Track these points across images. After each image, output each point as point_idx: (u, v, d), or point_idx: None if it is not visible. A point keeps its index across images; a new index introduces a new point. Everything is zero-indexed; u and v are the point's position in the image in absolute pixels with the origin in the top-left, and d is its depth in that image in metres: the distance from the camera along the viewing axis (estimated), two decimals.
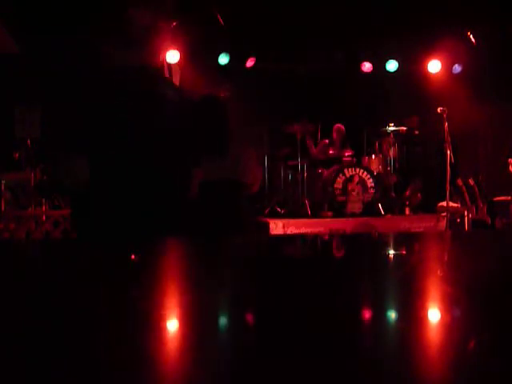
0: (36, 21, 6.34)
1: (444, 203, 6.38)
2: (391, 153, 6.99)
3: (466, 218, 6.20)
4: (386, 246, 1.65)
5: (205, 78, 6.66)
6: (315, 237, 3.24)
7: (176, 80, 4.25)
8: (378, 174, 6.72)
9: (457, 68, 8.08)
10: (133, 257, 1.42)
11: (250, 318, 0.68)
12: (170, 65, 4.28)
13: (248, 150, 2.90)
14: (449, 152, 6.24)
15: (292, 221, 6.21)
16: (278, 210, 6.75)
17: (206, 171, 2.64)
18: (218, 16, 6.79)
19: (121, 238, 1.84)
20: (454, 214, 6.33)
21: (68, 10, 6.26)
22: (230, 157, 2.73)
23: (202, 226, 2.57)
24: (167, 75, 4.15)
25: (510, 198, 6.35)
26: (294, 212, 6.61)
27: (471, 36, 7.48)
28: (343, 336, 0.56)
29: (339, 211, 6.46)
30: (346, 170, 6.52)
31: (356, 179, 6.49)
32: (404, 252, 1.46)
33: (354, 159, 6.93)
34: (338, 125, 7.31)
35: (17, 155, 5.84)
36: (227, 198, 2.65)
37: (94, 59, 6.60)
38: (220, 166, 2.68)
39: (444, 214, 6.36)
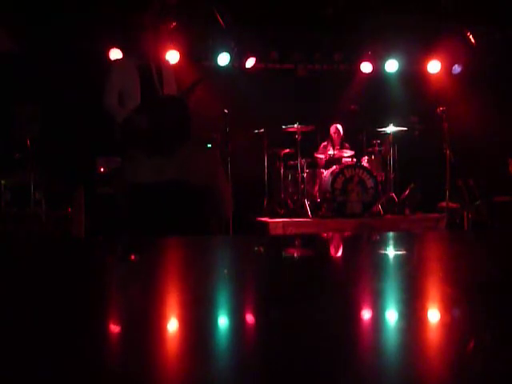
0: (35, 20, 6.34)
1: (444, 203, 6.38)
2: (391, 153, 6.98)
3: (466, 218, 6.20)
4: (385, 246, 1.64)
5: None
6: (315, 237, 3.24)
7: (169, 84, 4.24)
8: (377, 174, 6.72)
9: (456, 68, 8.08)
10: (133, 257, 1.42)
11: (250, 318, 0.68)
12: (161, 69, 4.26)
13: (205, 151, 2.92)
14: (449, 152, 6.24)
15: (292, 221, 6.21)
16: (278, 210, 6.75)
17: (154, 171, 2.67)
18: (218, 16, 6.79)
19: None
20: (453, 214, 6.33)
21: (68, 8, 6.27)
22: (181, 157, 2.73)
23: (148, 227, 2.60)
24: (156, 80, 4.15)
25: (510, 197, 6.35)
26: (293, 212, 6.61)
27: (471, 36, 7.48)
28: (343, 336, 0.56)
29: (339, 211, 6.46)
30: (345, 171, 6.51)
31: (356, 179, 6.49)
32: (403, 252, 1.46)
33: (354, 159, 6.93)
34: (336, 124, 7.31)
35: (17, 155, 5.84)
36: (174, 198, 2.67)
37: (95, 59, 6.61)
38: (168, 166, 2.69)
39: (444, 214, 6.36)
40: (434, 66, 8.04)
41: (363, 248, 1.64)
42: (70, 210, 5.45)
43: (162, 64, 4.33)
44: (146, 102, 3.89)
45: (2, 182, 5.38)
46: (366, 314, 0.68)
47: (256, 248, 1.61)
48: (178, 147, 2.73)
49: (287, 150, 6.99)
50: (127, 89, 4.10)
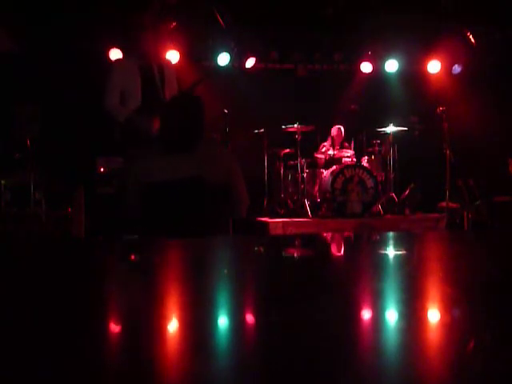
0: (35, 19, 6.34)
1: (444, 203, 6.38)
2: (391, 153, 6.99)
3: (466, 218, 6.20)
4: (385, 246, 1.64)
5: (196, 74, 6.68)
6: (315, 237, 3.23)
7: (171, 84, 4.24)
8: (377, 174, 6.72)
9: (456, 68, 8.08)
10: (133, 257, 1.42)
11: (250, 318, 0.68)
12: (162, 68, 4.25)
13: (221, 150, 2.88)
14: (449, 152, 6.24)
15: (291, 221, 6.21)
16: (278, 210, 6.75)
17: (170, 170, 2.63)
18: (218, 16, 6.79)
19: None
20: (453, 214, 6.33)
21: (67, 8, 6.27)
22: (198, 154, 2.70)
23: (163, 225, 2.57)
24: (157, 80, 4.14)
25: (510, 197, 6.35)
26: (293, 212, 6.61)
27: (471, 36, 7.48)
28: (343, 336, 0.56)
29: (339, 211, 6.46)
30: (345, 171, 6.51)
31: (356, 179, 6.49)
32: (403, 252, 1.46)
33: (354, 160, 6.93)
34: (337, 126, 7.31)
35: (17, 155, 5.84)
36: (190, 196, 2.63)
37: (95, 59, 6.61)
38: (186, 164, 2.65)
39: (444, 214, 6.36)
40: (433, 66, 8.04)
41: (363, 248, 1.64)
42: (70, 209, 5.45)
43: (163, 64, 4.33)
44: (165, 101, 3.87)
45: (2, 181, 5.38)
46: (366, 314, 0.68)
47: (256, 248, 1.61)
48: (194, 145, 2.69)
49: (287, 150, 6.99)
50: (129, 88, 4.10)
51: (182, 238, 1.99)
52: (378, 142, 7.12)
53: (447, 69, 8.09)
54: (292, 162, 6.99)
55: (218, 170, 2.70)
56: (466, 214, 6.21)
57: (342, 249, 1.64)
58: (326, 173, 6.79)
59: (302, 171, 6.79)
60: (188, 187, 2.61)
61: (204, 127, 2.79)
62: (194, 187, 2.61)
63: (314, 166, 7.17)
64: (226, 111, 6.24)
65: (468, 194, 6.55)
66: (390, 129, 6.90)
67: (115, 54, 6.75)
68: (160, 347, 0.54)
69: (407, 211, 6.78)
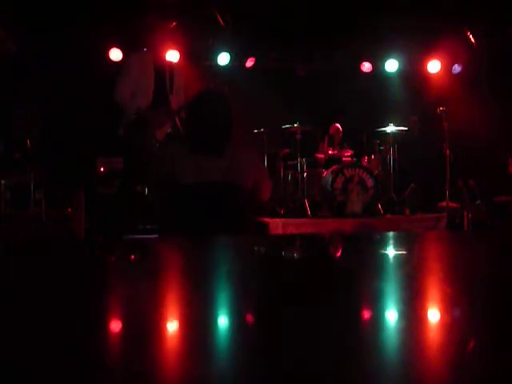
0: (35, 20, 6.34)
1: (444, 203, 6.38)
2: (391, 153, 6.99)
3: (466, 219, 6.20)
4: (385, 246, 1.64)
5: (204, 78, 6.69)
6: (315, 237, 3.23)
7: (178, 91, 4.26)
8: (377, 174, 6.72)
9: (456, 68, 8.08)
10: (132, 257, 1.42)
11: (250, 318, 0.68)
12: (173, 75, 4.29)
13: (248, 151, 2.78)
14: (449, 152, 6.24)
15: (291, 221, 6.20)
16: (278, 210, 6.75)
17: (198, 171, 2.57)
18: (218, 16, 6.79)
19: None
20: (453, 215, 6.33)
21: (67, 8, 6.27)
22: (227, 157, 2.62)
23: (194, 228, 2.53)
24: (168, 84, 4.16)
25: (510, 197, 6.35)
26: (293, 212, 6.60)
27: (471, 36, 7.48)
28: (343, 336, 0.56)
29: (339, 211, 6.45)
30: (345, 170, 6.51)
31: (356, 179, 6.48)
32: (403, 252, 1.46)
33: (354, 159, 6.93)
34: (335, 124, 7.32)
35: (17, 155, 5.84)
36: (217, 200, 2.57)
37: (95, 59, 6.60)
38: (214, 167, 2.58)
39: (444, 214, 6.36)
40: (433, 66, 8.04)
41: (363, 248, 1.64)
42: (69, 210, 5.44)
43: (174, 70, 4.36)
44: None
45: (2, 181, 5.38)
46: (366, 314, 0.68)
47: (256, 248, 1.61)
48: (222, 147, 2.62)
49: (287, 150, 6.99)
50: (141, 85, 4.12)
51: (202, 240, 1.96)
52: (378, 141, 7.12)
53: (447, 69, 8.09)
54: (292, 162, 6.99)
55: (246, 174, 2.62)
56: (465, 213, 6.21)
57: (342, 249, 1.64)
58: (325, 172, 6.79)
59: (302, 171, 6.79)
60: (215, 191, 2.55)
61: (232, 129, 2.70)
62: (221, 191, 2.56)
63: (314, 165, 7.17)
64: None
65: (468, 194, 6.55)
66: (390, 129, 6.89)
67: (115, 54, 6.76)
68: (160, 347, 0.54)
69: (407, 211, 6.78)
